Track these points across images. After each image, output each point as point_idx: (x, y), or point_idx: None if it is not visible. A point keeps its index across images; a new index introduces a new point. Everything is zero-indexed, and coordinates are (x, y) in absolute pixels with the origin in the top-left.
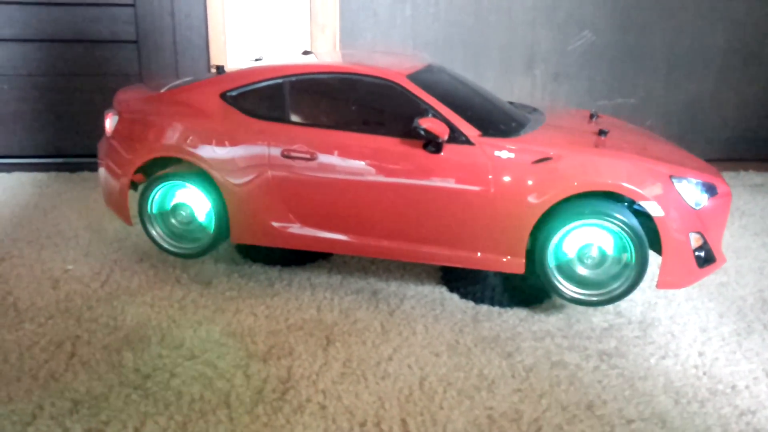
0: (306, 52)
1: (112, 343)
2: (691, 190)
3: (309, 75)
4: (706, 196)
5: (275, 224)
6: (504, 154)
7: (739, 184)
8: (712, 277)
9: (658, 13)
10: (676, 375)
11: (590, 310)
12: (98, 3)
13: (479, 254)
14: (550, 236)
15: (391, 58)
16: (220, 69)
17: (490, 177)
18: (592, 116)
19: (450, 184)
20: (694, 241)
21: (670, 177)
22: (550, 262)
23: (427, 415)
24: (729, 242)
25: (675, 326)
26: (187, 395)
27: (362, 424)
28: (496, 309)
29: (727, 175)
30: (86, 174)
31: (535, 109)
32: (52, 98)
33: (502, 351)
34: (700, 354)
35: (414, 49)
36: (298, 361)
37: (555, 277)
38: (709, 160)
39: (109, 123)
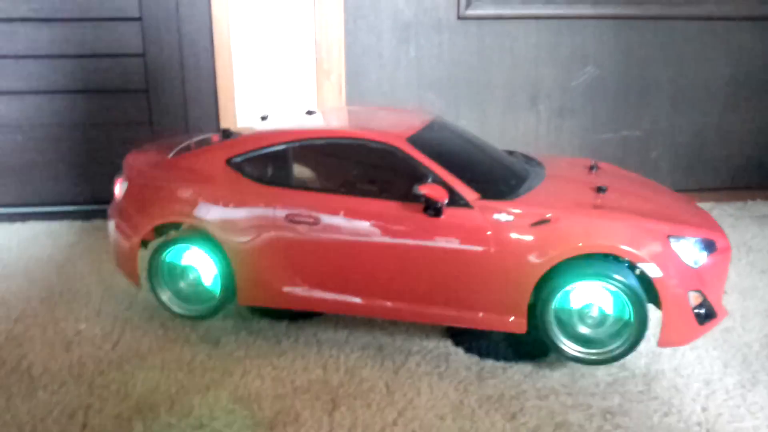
0: (310, 112)
1: (123, 411)
2: (689, 249)
3: (311, 140)
4: (704, 254)
5: (282, 287)
6: (503, 217)
7: (747, 216)
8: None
9: (660, 46)
10: None
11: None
12: (109, 54)
13: (481, 314)
14: (550, 296)
15: (394, 116)
16: (226, 133)
17: (489, 239)
18: (591, 167)
19: (450, 245)
20: (694, 299)
21: (668, 237)
22: (552, 321)
23: None
24: (735, 282)
25: (679, 379)
26: None
27: None
28: (501, 364)
29: (734, 206)
30: (99, 222)
31: (535, 162)
32: (64, 148)
33: (507, 412)
34: (704, 410)
35: (419, 89)
36: (304, 429)
37: (557, 336)
38: (716, 190)
39: (119, 189)
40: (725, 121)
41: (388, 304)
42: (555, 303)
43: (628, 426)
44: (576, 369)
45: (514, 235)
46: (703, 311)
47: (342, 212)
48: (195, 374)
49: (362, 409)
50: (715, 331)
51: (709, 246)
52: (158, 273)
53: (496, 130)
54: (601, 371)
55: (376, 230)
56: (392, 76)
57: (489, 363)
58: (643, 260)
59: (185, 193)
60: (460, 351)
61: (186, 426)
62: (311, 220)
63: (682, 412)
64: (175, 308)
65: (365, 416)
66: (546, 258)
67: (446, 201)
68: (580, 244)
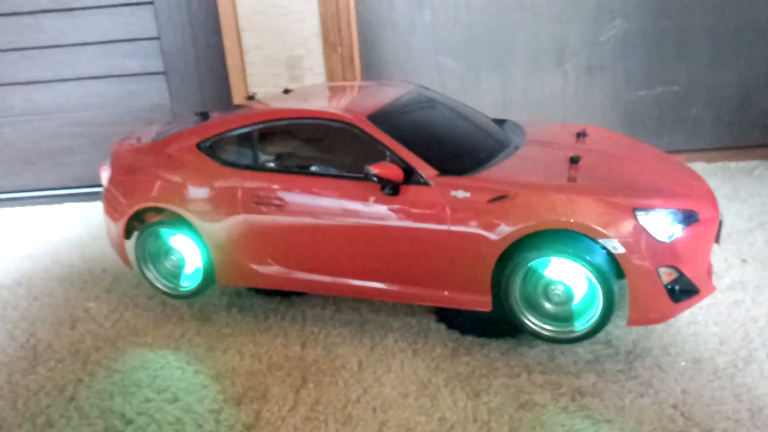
0: (286, 91)
1: (107, 387)
2: (660, 222)
3: (273, 121)
4: (680, 226)
5: (254, 266)
6: (460, 194)
7: None
8: (728, 295)
9: None
10: (648, 417)
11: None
12: (127, 39)
13: (446, 293)
14: (512, 274)
15: (368, 92)
16: (204, 115)
17: (447, 216)
18: (579, 134)
19: (410, 224)
20: (665, 275)
21: (634, 210)
22: (515, 298)
23: None
24: (760, 249)
25: (665, 358)
26: None
27: None
28: (481, 341)
29: None
30: None
31: (519, 131)
32: (93, 132)
33: (472, 390)
34: (684, 391)
35: (437, 54)
36: (269, 405)
37: (521, 313)
38: (764, 146)
39: (104, 175)
40: None
41: (354, 282)
42: (518, 280)
43: (596, 407)
44: (557, 347)
45: (471, 212)
46: (678, 288)
47: (303, 193)
48: (181, 350)
49: (329, 386)
50: (722, 304)
51: (688, 217)
52: (144, 254)
53: (520, 94)
54: (584, 348)
55: (337, 210)
56: (407, 44)
57: (469, 339)
58: (604, 236)
59: (160, 178)
60: (442, 327)
61: (162, 400)
62: (275, 201)
63: (660, 393)
64: (161, 287)
65: (331, 393)
66: (504, 235)
67: (401, 180)
68: (538, 221)
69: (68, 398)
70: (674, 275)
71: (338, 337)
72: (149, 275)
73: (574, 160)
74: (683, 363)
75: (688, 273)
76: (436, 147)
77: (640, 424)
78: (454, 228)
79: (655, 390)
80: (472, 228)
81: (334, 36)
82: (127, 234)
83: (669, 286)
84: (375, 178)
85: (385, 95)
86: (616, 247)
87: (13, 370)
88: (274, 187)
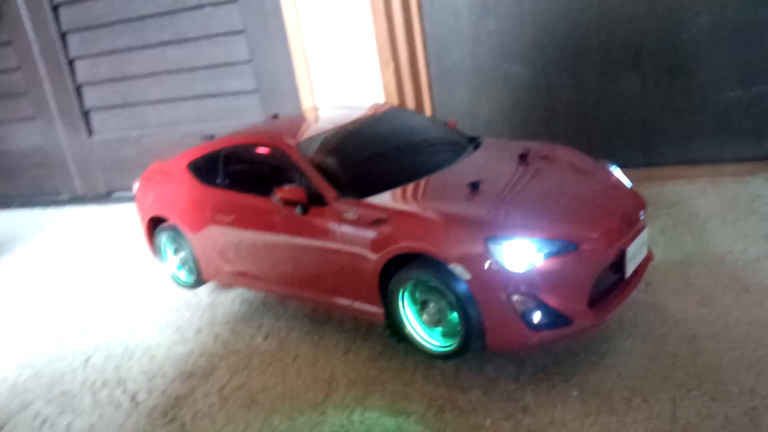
0: (275, 116)
1: (115, 353)
2: (515, 251)
3: (228, 147)
4: (541, 255)
5: (223, 268)
6: (350, 216)
7: None
8: (732, 330)
9: None
10: None
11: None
12: (228, 63)
13: (353, 303)
14: (393, 290)
15: (327, 118)
16: (210, 138)
17: (339, 235)
18: (522, 156)
19: (314, 241)
20: (519, 304)
21: (486, 239)
22: (399, 313)
23: None
24: None
25: (562, 385)
26: (119, 399)
27: None
28: (410, 349)
29: None
30: None
31: (468, 151)
32: None
33: (365, 391)
34: (551, 421)
35: (503, 61)
36: (206, 383)
37: (403, 325)
38: None
39: (134, 187)
40: None
41: (288, 288)
42: (398, 296)
43: (448, 422)
44: (481, 362)
45: (356, 233)
46: (538, 316)
47: (243, 209)
48: (180, 331)
49: (259, 374)
50: (714, 350)
51: (561, 247)
52: (160, 251)
53: (594, 98)
54: (530, 369)
55: (265, 224)
56: (474, 53)
57: (401, 347)
58: (451, 261)
59: (162, 192)
60: (386, 333)
61: (138, 368)
62: (227, 215)
63: (527, 419)
64: (172, 279)
65: (256, 379)
66: (378, 255)
67: (305, 201)
68: (397, 245)
69: (85, 360)
70: (531, 304)
71: (296, 333)
72: (164, 268)
73: (474, 185)
74: (575, 393)
75: (553, 302)
76: (351, 171)
77: None
78: (344, 246)
79: (526, 415)
80: (356, 247)
81: (385, 53)
82: None
83: (525, 315)
84: (278, 200)
85: (338, 120)
86: (462, 274)
87: (65, 335)
88: (227, 202)
